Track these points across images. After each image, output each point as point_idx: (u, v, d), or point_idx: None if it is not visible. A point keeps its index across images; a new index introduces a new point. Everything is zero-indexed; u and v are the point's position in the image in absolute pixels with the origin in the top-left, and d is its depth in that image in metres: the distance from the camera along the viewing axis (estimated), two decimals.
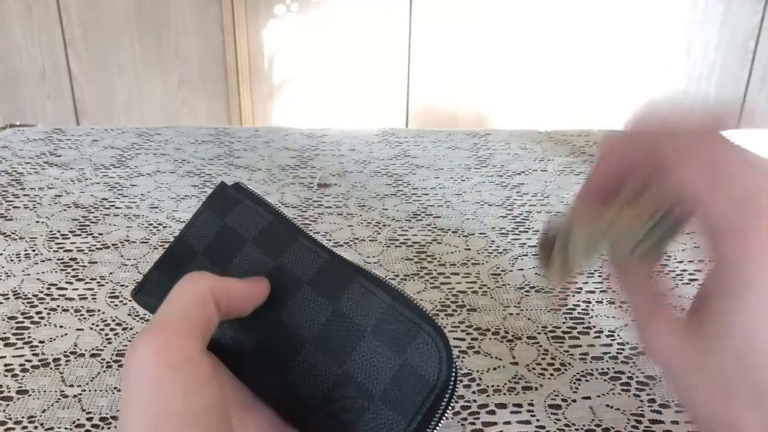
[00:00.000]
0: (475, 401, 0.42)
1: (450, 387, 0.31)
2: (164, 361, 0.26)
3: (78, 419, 0.40)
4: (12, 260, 0.56)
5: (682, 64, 1.96)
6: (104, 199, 0.67)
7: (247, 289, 0.32)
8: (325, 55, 1.96)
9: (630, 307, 0.28)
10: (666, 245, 0.29)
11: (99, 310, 0.50)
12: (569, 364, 0.45)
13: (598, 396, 0.43)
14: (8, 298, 0.51)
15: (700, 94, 1.99)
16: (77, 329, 0.48)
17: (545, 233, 0.33)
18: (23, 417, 0.40)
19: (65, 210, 0.65)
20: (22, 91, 1.99)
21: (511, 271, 0.56)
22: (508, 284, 0.54)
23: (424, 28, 1.93)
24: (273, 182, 0.71)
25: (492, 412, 0.41)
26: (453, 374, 0.31)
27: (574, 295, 0.52)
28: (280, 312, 0.33)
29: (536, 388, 0.43)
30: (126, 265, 0.56)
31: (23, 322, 0.48)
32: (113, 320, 0.49)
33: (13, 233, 0.60)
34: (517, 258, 0.58)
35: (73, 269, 0.55)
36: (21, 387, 0.42)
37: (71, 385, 0.43)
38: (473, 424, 0.40)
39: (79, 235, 0.60)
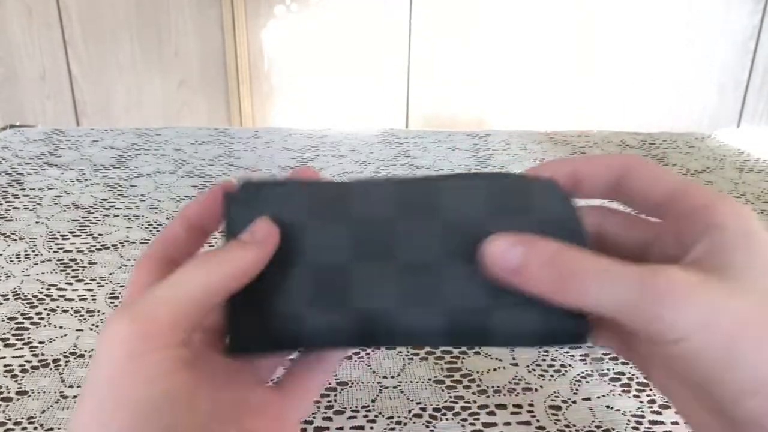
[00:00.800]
0: (475, 402, 0.42)
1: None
2: (131, 350, 0.25)
3: None
4: (12, 261, 0.56)
5: (682, 64, 1.96)
6: (104, 199, 0.67)
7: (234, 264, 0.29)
8: (325, 56, 1.96)
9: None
10: None
11: (99, 311, 0.50)
12: (569, 365, 0.45)
13: (599, 397, 0.43)
14: (8, 299, 0.51)
15: (699, 95, 1.99)
16: (77, 330, 0.48)
17: None
18: (23, 418, 0.40)
19: (65, 210, 0.64)
20: (22, 92, 1.99)
21: None
22: None
23: (424, 29, 1.93)
24: None
25: (492, 413, 0.41)
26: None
27: None
28: (396, 257, 0.31)
29: (536, 389, 0.43)
30: (126, 265, 0.56)
31: (23, 322, 0.48)
32: None
33: (12, 234, 0.60)
34: None
35: (73, 270, 0.55)
36: (21, 388, 0.42)
37: (71, 386, 0.43)
38: (473, 424, 0.40)
39: (79, 235, 0.60)
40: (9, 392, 0.42)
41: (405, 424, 0.40)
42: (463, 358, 0.46)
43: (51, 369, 0.44)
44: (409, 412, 0.41)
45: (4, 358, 0.45)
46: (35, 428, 0.39)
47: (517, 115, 2.01)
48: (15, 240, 0.59)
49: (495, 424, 0.40)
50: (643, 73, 1.97)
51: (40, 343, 0.46)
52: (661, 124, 1.96)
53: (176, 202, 0.67)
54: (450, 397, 0.42)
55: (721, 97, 1.99)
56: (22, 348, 0.46)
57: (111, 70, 1.97)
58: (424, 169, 0.75)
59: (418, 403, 0.42)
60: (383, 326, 0.30)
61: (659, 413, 0.41)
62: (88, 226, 0.62)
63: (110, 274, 0.55)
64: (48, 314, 0.49)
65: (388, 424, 0.40)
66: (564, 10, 1.90)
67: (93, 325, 0.48)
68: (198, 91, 2.00)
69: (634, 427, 0.40)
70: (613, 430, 0.40)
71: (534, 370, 0.45)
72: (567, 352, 0.46)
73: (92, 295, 0.52)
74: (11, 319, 0.49)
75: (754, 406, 0.24)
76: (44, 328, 0.48)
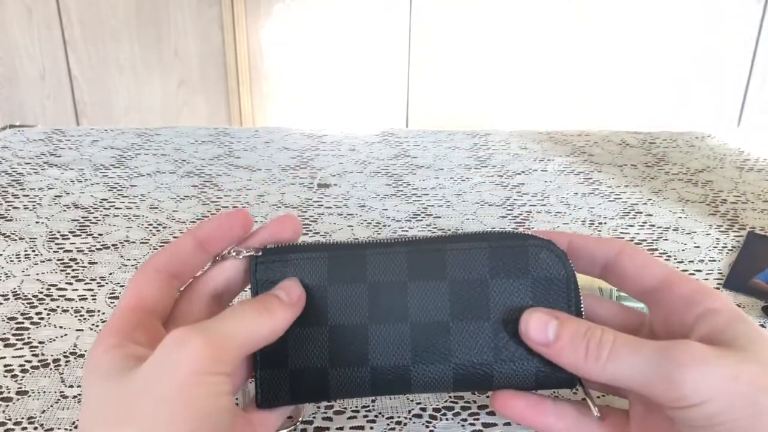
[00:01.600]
0: (474, 402, 0.42)
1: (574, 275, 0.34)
2: (199, 367, 0.28)
3: (78, 420, 0.40)
4: (12, 261, 0.56)
5: (682, 64, 1.96)
6: (104, 199, 0.67)
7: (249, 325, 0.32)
8: (325, 55, 1.96)
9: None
10: None
11: (99, 311, 0.50)
12: None
13: (598, 397, 0.43)
14: (8, 299, 0.51)
15: (699, 94, 1.99)
16: (77, 330, 0.48)
17: None
18: (23, 418, 0.40)
19: (65, 210, 0.64)
20: (22, 92, 1.99)
21: None
22: None
23: (424, 29, 1.93)
24: (273, 182, 0.71)
25: (492, 413, 0.41)
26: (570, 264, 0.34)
27: None
28: (408, 318, 0.34)
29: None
30: (126, 265, 0.56)
31: (23, 322, 0.48)
32: (104, 323, 0.49)
33: (12, 234, 0.60)
34: None
35: (73, 270, 0.55)
36: (21, 388, 0.42)
37: (71, 386, 0.43)
38: (473, 425, 0.40)
39: (79, 235, 0.60)
40: (9, 392, 0.42)
41: (405, 424, 0.40)
42: None
43: (51, 369, 0.44)
44: (409, 412, 0.41)
45: (4, 358, 0.45)
46: (35, 428, 0.39)
47: (517, 115, 2.01)
48: (15, 240, 0.59)
49: (495, 424, 0.40)
50: (643, 73, 1.96)
51: (40, 343, 0.46)
52: (661, 123, 1.96)
53: (176, 202, 0.67)
54: (450, 397, 0.42)
55: (721, 96, 1.99)
56: (22, 348, 0.46)
57: (111, 70, 1.97)
58: (423, 168, 0.75)
59: (418, 403, 0.42)
60: (398, 380, 0.34)
61: None
62: (88, 225, 0.62)
63: (110, 273, 0.55)
64: (48, 314, 0.49)
65: (388, 424, 0.40)
66: (564, 10, 1.90)
67: (93, 324, 0.48)
68: (198, 91, 2.00)
69: None
70: None
71: None
72: None
73: (92, 295, 0.52)
74: (11, 318, 0.49)
75: None
76: (44, 328, 0.48)
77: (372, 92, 2.00)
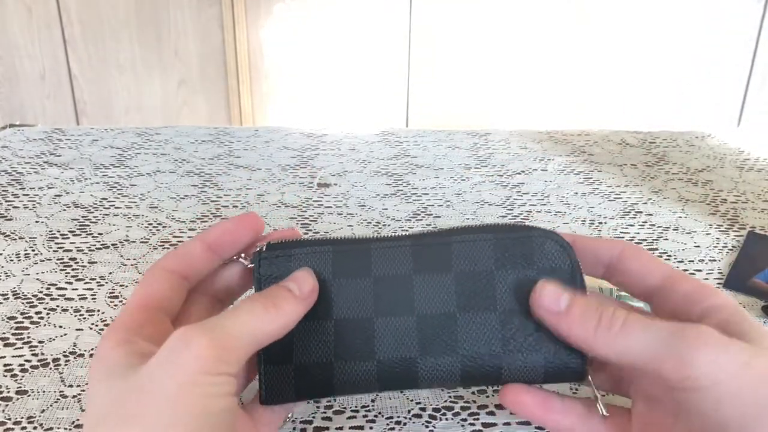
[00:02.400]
0: (474, 402, 0.42)
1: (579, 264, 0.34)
2: (204, 367, 0.28)
3: (77, 419, 0.40)
4: (11, 260, 0.56)
5: (682, 63, 1.96)
6: (104, 198, 0.67)
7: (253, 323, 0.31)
8: (325, 55, 1.96)
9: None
10: None
11: (99, 310, 0.50)
12: None
13: (603, 395, 0.42)
14: (8, 298, 0.51)
15: (699, 93, 1.99)
16: (77, 329, 0.48)
17: None
18: (23, 417, 0.40)
19: (65, 210, 0.64)
20: (22, 91, 1.99)
21: None
22: None
23: (424, 28, 1.93)
24: (273, 182, 0.71)
25: (492, 413, 0.41)
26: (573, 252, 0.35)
27: None
28: (414, 310, 0.34)
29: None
30: (126, 265, 0.56)
31: (23, 322, 0.48)
32: (113, 320, 0.49)
33: (12, 233, 0.60)
34: None
35: (73, 269, 0.55)
36: (20, 387, 0.42)
37: (71, 386, 0.43)
38: (473, 425, 0.40)
39: (79, 234, 0.60)
40: (9, 392, 0.42)
41: (405, 424, 0.40)
42: None
43: (51, 368, 0.44)
44: (409, 412, 0.41)
45: (4, 357, 0.45)
46: (35, 428, 0.39)
47: (517, 114, 2.01)
48: (15, 239, 0.59)
49: (495, 424, 0.40)
50: (643, 73, 1.96)
51: (39, 342, 0.46)
52: (661, 122, 1.96)
53: (176, 202, 0.67)
54: (450, 397, 0.42)
55: (721, 95, 1.99)
56: (22, 347, 0.46)
57: (111, 69, 1.97)
58: (423, 168, 0.75)
59: (418, 403, 0.42)
60: (405, 374, 0.34)
61: None
62: (88, 225, 0.62)
63: (110, 273, 0.54)
64: (48, 313, 0.49)
65: (387, 424, 0.40)
66: (564, 10, 1.90)
67: (93, 324, 0.48)
68: (198, 90, 2.00)
69: None
70: None
71: None
72: None
73: (92, 295, 0.52)
74: (11, 318, 0.49)
75: None
76: (44, 327, 0.48)
77: (372, 92, 2.00)
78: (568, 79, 1.97)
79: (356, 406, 0.41)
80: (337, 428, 0.40)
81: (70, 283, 0.53)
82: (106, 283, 0.53)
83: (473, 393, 0.43)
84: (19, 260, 0.56)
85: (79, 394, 0.42)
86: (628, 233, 0.62)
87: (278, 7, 1.90)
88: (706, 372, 0.28)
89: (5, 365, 0.44)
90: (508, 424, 0.40)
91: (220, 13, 1.90)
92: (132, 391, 0.28)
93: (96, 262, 0.56)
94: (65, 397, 0.42)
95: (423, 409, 0.41)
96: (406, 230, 0.62)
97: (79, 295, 0.51)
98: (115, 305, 0.50)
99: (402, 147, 0.81)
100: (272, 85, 1.99)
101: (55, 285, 0.53)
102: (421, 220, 0.64)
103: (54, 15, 1.90)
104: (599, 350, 0.32)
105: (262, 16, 1.91)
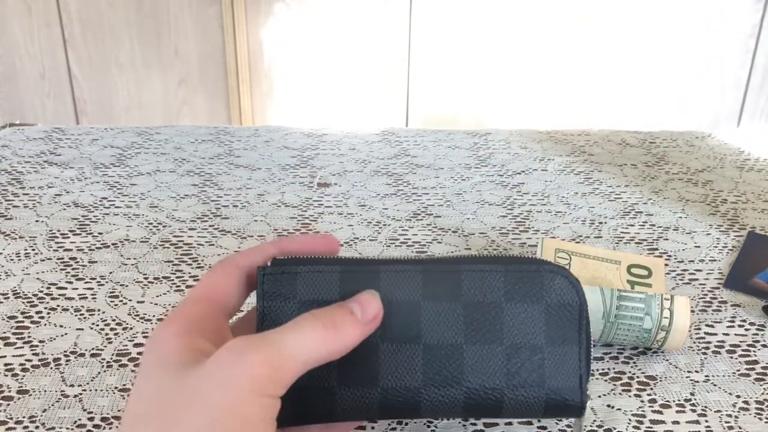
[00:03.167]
0: None
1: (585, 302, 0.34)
2: (256, 387, 0.27)
3: (79, 419, 0.40)
4: (12, 259, 0.56)
5: (682, 63, 1.96)
6: (104, 198, 0.67)
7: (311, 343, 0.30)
8: (325, 55, 1.96)
9: None
10: None
11: (99, 310, 0.50)
12: None
13: (599, 396, 0.43)
14: (8, 298, 0.51)
15: (699, 94, 1.99)
16: (77, 329, 0.48)
17: None
18: (24, 417, 0.40)
19: (65, 209, 0.64)
20: (21, 91, 1.99)
21: None
22: None
23: (424, 28, 1.93)
24: (273, 182, 0.71)
25: None
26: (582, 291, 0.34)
27: None
28: (421, 338, 0.33)
29: None
30: (126, 264, 0.56)
31: (23, 321, 0.48)
32: (113, 320, 0.49)
33: (12, 232, 0.60)
34: None
35: (73, 269, 0.55)
36: (21, 387, 0.42)
37: (72, 385, 0.43)
38: (474, 424, 0.40)
39: (79, 234, 0.60)
40: (10, 391, 0.42)
41: (406, 423, 0.40)
42: None
43: (51, 368, 0.44)
44: None
45: (5, 357, 0.45)
46: (36, 427, 0.39)
47: (517, 114, 2.01)
48: (15, 239, 0.59)
49: (496, 424, 0.40)
50: (643, 73, 1.96)
51: (40, 342, 0.46)
52: (661, 122, 1.96)
53: (176, 201, 0.67)
54: None
55: (721, 96, 1.99)
56: (23, 347, 0.46)
57: (111, 68, 1.97)
58: (423, 168, 0.75)
59: None
60: (408, 403, 0.33)
61: (660, 413, 0.41)
62: (88, 224, 0.62)
63: (110, 272, 0.54)
64: (48, 313, 0.49)
65: (388, 424, 0.40)
66: (564, 10, 1.90)
67: (93, 324, 0.48)
68: (198, 90, 2.00)
69: (635, 427, 0.40)
70: (614, 429, 0.40)
71: None
72: None
73: (92, 294, 0.52)
74: (11, 317, 0.49)
75: None
76: (44, 327, 0.48)
77: (372, 92, 2.00)
78: (568, 79, 1.97)
79: None
80: None
81: (71, 283, 0.53)
82: (107, 282, 0.53)
83: None
84: (19, 259, 0.56)
85: (80, 394, 0.42)
86: (628, 233, 0.62)
87: (278, 7, 1.90)
88: None
89: (6, 364, 0.44)
90: (509, 423, 0.40)
91: (220, 12, 1.90)
92: (178, 394, 0.27)
93: (96, 262, 0.56)
94: (66, 396, 0.42)
95: None
96: (406, 230, 0.62)
97: (79, 295, 0.51)
98: (116, 305, 0.50)
99: (402, 147, 0.81)
100: (272, 85, 1.99)
101: (56, 284, 0.53)
102: (421, 219, 0.64)
103: (54, 14, 1.90)
104: None
105: (262, 16, 1.91)
